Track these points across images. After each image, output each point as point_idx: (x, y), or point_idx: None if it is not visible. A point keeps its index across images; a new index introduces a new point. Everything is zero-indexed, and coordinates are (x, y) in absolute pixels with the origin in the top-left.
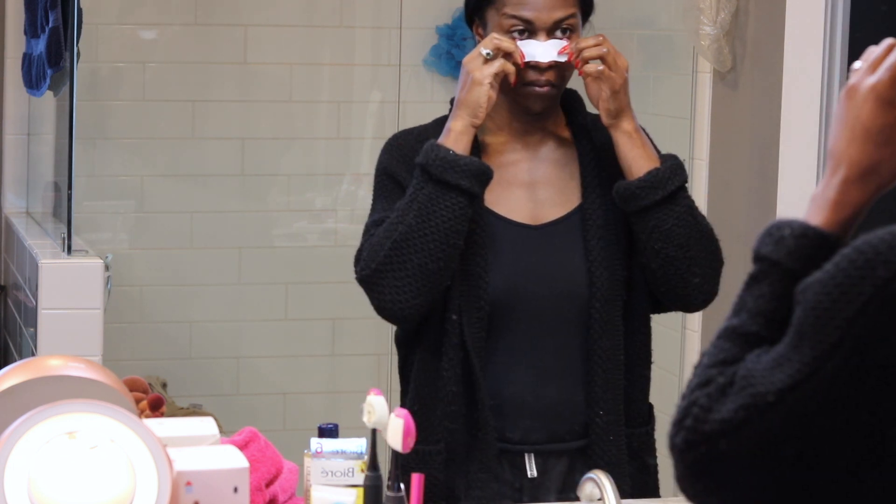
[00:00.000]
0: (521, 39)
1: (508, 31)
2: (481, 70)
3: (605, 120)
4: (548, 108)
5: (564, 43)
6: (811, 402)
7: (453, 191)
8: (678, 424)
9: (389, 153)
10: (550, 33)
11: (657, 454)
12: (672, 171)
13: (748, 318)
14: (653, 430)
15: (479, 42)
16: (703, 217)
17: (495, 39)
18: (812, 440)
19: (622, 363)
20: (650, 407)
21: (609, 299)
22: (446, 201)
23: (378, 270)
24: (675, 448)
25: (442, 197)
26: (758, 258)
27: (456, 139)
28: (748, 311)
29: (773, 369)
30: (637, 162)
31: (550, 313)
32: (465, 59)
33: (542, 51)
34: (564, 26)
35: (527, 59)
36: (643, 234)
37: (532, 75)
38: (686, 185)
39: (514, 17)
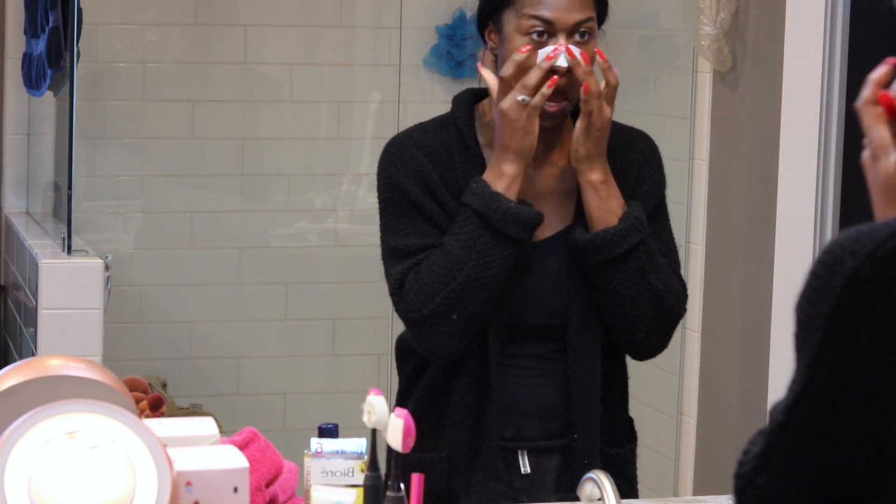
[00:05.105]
0: (540, 42)
1: (528, 33)
2: (529, 120)
3: (572, 161)
4: (559, 121)
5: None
6: (815, 411)
7: (510, 240)
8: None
9: (394, 165)
10: (570, 36)
11: (637, 467)
12: (623, 233)
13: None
14: (635, 446)
15: (490, 48)
16: (658, 276)
17: (526, 81)
18: (827, 454)
19: (598, 388)
20: (631, 423)
21: (584, 325)
22: (503, 251)
23: (430, 316)
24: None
25: (499, 247)
26: None
27: (509, 184)
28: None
29: (786, 395)
30: (595, 214)
31: (538, 330)
32: (506, 107)
33: (562, 56)
34: (583, 29)
35: (545, 65)
36: (591, 285)
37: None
38: (641, 245)
39: (535, 17)
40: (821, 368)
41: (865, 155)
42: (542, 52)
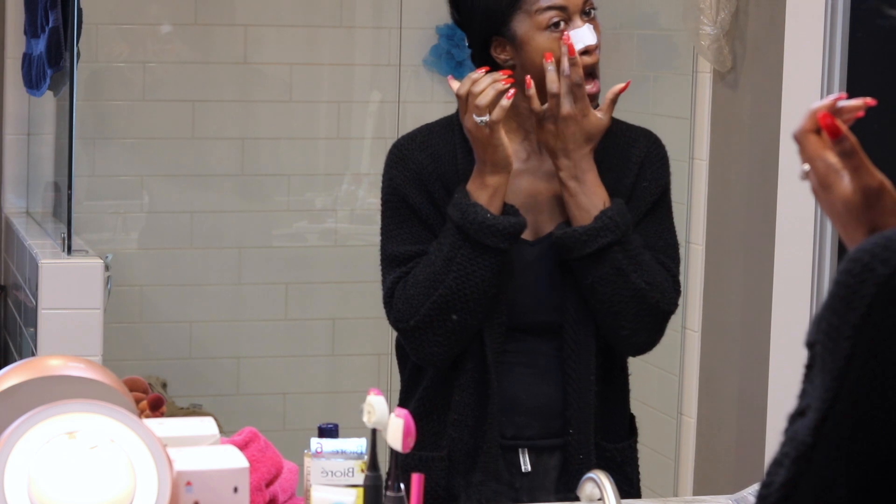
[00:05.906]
0: (560, 31)
1: (548, 27)
2: (494, 135)
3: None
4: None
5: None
6: (844, 427)
7: (491, 251)
8: None
9: (396, 167)
10: (582, 17)
11: (639, 465)
12: (593, 233)
13: (801, 398)
14: (635, 442)
15: (503, 61)
16: (641, 273)
17: (478, 102)
18: (859, 471)
19: (593, 383)
20: (632, 419)
21: (579, 320)
22: (485, 261)
23: (417, 327)
24: None
25: (480, 258)
26: (808, 346)
27: (493, 194)
28: (802, 393)
29: (808, 415)
30: (571, 212)
31: (537, 327)
32: (470, 126)
33: (587, 34)
34: (587, 8)
35: (579, 47)
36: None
37: (586, 61)
38: (617, 244)
39: (551, 7)
40: (848, 381)
41: (813, 184)
42: (574, 36)
